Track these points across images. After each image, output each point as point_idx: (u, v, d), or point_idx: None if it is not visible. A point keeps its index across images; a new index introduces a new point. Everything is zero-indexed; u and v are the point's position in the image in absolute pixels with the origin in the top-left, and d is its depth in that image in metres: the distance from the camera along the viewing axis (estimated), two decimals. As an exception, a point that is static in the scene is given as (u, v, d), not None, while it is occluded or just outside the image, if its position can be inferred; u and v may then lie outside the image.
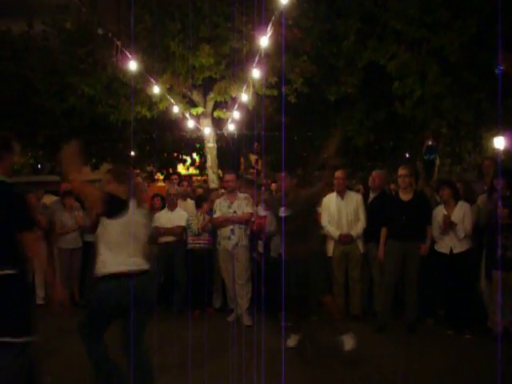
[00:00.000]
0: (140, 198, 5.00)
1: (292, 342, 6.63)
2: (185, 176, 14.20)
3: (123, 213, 4.33)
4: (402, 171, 7.56)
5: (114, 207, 4.32)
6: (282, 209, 6.17)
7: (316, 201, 6.66)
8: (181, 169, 19.02)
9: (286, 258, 6.20)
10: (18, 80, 13.04)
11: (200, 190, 10.51)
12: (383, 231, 7.61)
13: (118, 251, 4.28)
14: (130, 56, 8.75)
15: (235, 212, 7.85)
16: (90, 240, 9.19)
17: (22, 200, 4.05)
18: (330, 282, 7.47)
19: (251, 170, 18.43)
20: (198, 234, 8.37)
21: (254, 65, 8.84)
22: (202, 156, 17.95)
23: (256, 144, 16.65)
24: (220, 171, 13.33)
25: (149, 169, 17.71)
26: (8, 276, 3.74)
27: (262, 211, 8.12)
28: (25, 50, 13.52)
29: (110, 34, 8.89)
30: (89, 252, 9.08)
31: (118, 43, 8.80)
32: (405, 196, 7.53)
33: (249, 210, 7.91)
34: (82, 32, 12.22)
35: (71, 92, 12.16)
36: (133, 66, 8.88)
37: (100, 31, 9.79)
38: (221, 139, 13.07)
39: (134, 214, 4.37)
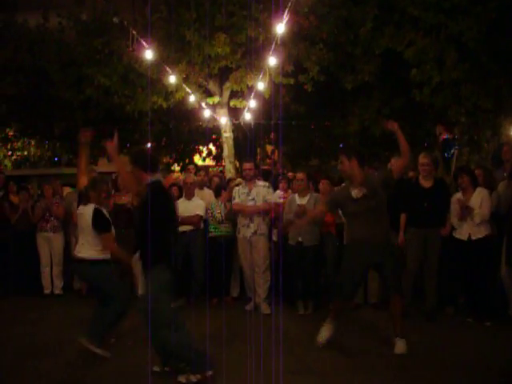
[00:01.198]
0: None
1: (326, 331, 6.15)
2: (201, 166, 14.21)
3: None
4: (423, 159, 7.48)
5: None
6: (355, 191, 5.86)
7: (391, 183, 6.00)
8: (197, 160, 19.01)
9: (354, 241, 6.02)
10: (34, 72, 13.06)
11: (216, 179, 10.50)
12: (403, 218, 7.56)
13: None
14: (145, 45, 8.73)
15: (254, 199, 7.84)
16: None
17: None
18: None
19: (267, 161, 18.38)
20: (222, 222, 8.39)
21: (271, 52, 8.79)
22: (218, 146, 17.92)
23: (272, 134, 16.58)
24: (237, 162, 13.31)
25: (165, 160, 17.70)
26: None
27: (278, 199, 8.13)
28: (41, 42, 13.54)
29: (125, 23, 8.88)
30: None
31: (134, 32, 8.79)
32: (426, 183, 7.47)
33: (269, 197, 7.91)
34: (98, 23, 12.21)
35: (88, 83, 12.17)
36: (148, 55, 8.87)
37: (116, 20, 9.78)
38: (237, 129, 13.03)
39: None
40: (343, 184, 8.15)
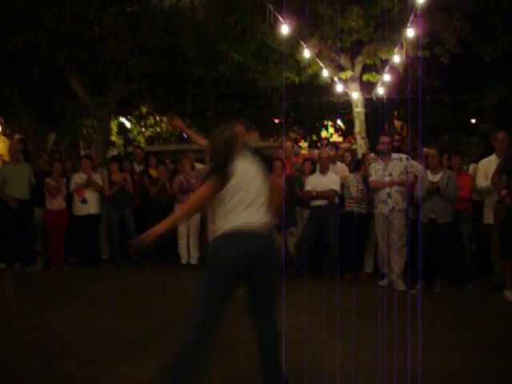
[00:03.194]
0: None
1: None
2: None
3: None
4: None
5: None
6: None
7: None
8: (324, 135, 18.93)
9: None
10: (169, 50, 13.49)
11: (348, 155, 10.43)
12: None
13: None
14: (282, 20, 8.76)
15: (391, 174, 7.71)
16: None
17: None
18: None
19: (396, 137, 17.93)
20: (356, 200, 8.36)
21: (409, 24, 8.54)
22: (346, 122, 17.73)
23: (402, 110, 16.18)
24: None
25: (293, 136, 17.78)
26: None
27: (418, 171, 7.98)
28: (175, 21, 13.93)
29: (262, -1, 8.96)
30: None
31: (271, 7, 8.85)
32: None
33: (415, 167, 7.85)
34: (230, 0, 12.39)
35: (221, 60, 12.43)
36: (285, 29, 8.89)
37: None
38: (368, 104, 12.83)
39: None
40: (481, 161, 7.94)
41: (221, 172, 3.71)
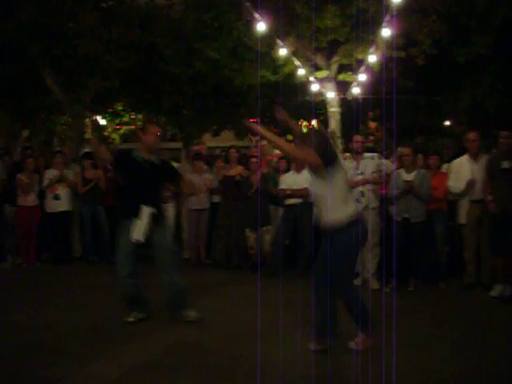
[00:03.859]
0: None
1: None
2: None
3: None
4: None
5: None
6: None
7: None
8: (299, 134, 18.86)
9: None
10: (145, 47, 13.37)
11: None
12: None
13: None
14: (258, 17, 8.74)
15: (362, 173, 7.73)
16: (217, 201, 9.47)
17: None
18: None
19: (370, 137, 18.03)
20: None
21: (385, 24, 8.57)
22: (321, 122, 17.72)
23: (377, 110, 16.23)
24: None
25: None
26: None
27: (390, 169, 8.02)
28: (151, 18, 13.81)
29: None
30: (216, 213, 9.35)
31: (248, 4, 8.82)
32: None
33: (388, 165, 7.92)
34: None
35: (197, 57, 12.36)
36: (261, 27, 8.87)
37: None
38: (343, 104, 12.84)
39: None
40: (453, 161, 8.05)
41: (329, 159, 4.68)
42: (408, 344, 5.16)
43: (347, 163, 7.99)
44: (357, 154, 7.91)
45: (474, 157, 7.83)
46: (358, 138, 7.90)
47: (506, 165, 7.11)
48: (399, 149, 8.59)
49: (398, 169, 8.10)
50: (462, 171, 7.84)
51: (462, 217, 7.93)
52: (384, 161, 8.12)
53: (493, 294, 7.20)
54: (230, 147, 9.93)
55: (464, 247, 7.90)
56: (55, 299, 7.11)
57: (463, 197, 7.88)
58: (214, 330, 5.66)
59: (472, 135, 7.86)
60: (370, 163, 7.81)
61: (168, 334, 5.55)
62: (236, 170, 9.16)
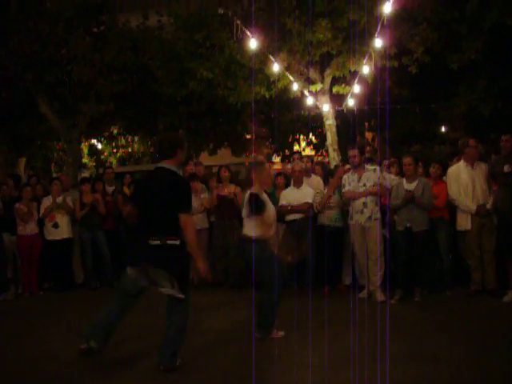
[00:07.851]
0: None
1: None
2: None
3: None
4: None
5: None
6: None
7: None
8: (296, 149, 18.88)
9: None
10: (138, 69, 13.40)
11: (318, 168, 10.37)
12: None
13: None
14: (250, 34, 8.75)
15: (365, 185, 7.70)
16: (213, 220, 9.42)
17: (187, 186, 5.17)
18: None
19: (367, 148, 17.98)
20: (319, 212, 8.35)
21: (376, 34, 8.59)
22: (318, 135, 17.74)
23: (373, 120, 16.23)
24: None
25: (266, 151, 17.70)
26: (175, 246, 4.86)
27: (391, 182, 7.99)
28: (142, 40, 13.88)
29: (229, 13, 8.94)
30: (212, 232, 9.29)
31: (238, 22, 8.83)
32: None
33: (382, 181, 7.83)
34: (198, 17, 12.36)
35: (190, 77, 12.37)
36: (253, 44, 8.88)
37: (220, 10, 9.88)
38: (338, 117, 12.86)
39: None
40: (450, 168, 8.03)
41: None
42: (417, 356, 5.11)
43: (349, 175, 7.96)
44: (356, 168, 7.87)
45: (471, 163, 7.79)
46: (353, 152, 7.84)
47: (506, 169, 7.10)
48: (402, 159, 8.54)
49: (395, 175, 8.12)
50: (461, 178, 7.80)
51: (460, 223, 7.89)
52: (385, 173, 8.08)
53: (505, 300, 7.15)
54: (220, 167, 9.76)
55: (468, 254, 7.84)
56: (59, 328, 7.02)
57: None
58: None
59: (472, 141, 7.84)
60: (373, 176, 7.77)
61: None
62: (228, 189, 9.13)
